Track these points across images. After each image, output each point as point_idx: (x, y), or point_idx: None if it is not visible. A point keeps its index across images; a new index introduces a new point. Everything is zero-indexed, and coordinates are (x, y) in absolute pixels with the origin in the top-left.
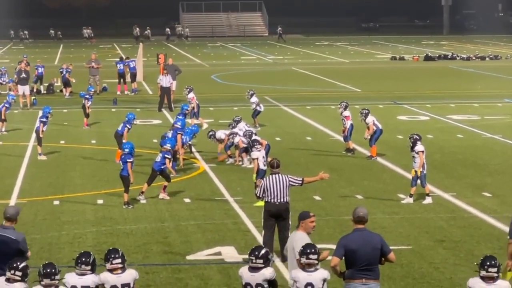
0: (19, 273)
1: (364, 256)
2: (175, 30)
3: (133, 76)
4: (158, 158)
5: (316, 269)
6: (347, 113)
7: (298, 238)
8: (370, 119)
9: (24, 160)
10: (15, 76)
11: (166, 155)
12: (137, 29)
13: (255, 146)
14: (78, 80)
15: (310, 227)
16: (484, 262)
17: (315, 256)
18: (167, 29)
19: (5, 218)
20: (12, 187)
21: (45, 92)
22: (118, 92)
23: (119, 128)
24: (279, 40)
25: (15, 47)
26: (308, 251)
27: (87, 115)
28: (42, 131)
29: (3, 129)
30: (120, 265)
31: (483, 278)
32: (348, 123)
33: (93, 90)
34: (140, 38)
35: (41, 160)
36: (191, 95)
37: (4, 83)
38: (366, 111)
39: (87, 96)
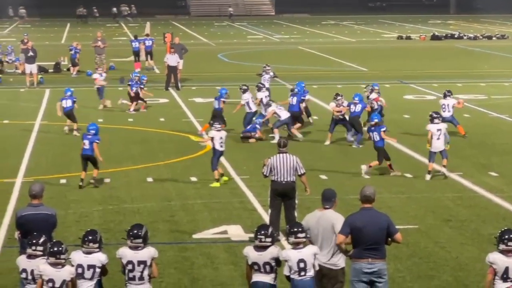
0: (40, 248)
1: (370, 235)
2: (121, 10)
3: (148, 54)
4: (377, 137)
5: (305, 246)
6: (374, 95)
7: (337, 217)
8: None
9: (31, 139)
10: (21, 54)
11: (382, 129)
12: (83, 9)
13: (214, 125)
14: (84, 59)
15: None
16: (503, 235)
17: (303, 235)
18: (114, 9)
19: (31, 196)
20: (19, 166)
21: (52, 70)
22: (137, 70)
23: (216, 106)
24: (230, 20)
25: (21, 26)
26: (296, 229)
27: (134, 99)
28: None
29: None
30: (140, 245)
31: (502, 252)
32: (377, 104)
33: (137, 75)
34: (83, 19)
35: (47, 139)
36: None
37: (10, 61)
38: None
39: (130, 83)
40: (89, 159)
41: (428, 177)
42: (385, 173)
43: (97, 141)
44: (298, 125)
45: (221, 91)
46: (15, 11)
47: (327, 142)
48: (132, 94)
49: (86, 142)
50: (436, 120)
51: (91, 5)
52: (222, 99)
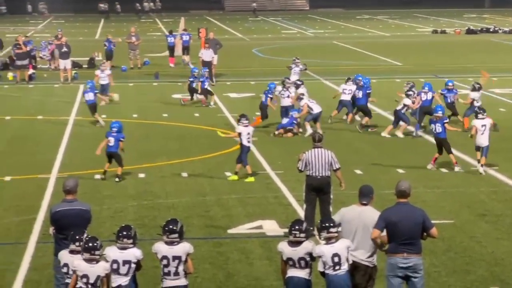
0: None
1: (405, 230)
2: (143, 5)
3: (185, 50)
4: (439, 129)
5: (337, 240)
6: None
7: (378, 213)
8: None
9: (65, 134)
10: (56, 50)
11: (445, 121)
12: (104, 4)
13: (241, 121)
14: (118, 54)
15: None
16: None
17: (335, 229)
18: (137, 4)
19: (65, 191)
20: (53, 162)
21: (86, 66)
22: (171, 65)
23: (263, 99)
24: (254, 15)
25: (55, 22)
26: (327, 224)
27: (193, 94)
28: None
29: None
30: (176, 240)
31: None
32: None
33: (196, 71)
34: (105, 14)
35: (82, 134)
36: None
37: (45, 57)
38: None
39: (191, 79)
40: (113, 156)
41: (478, 166)
42: (419, 169)
43: (122, 139)
44: (366, 119)
45: (270, 85)
46: (34, 7)
47: (401, 135)
48: (200, 89)
49: (112, 139)
50: (480, 116)
51: (114, 0)
52: (270, 95)
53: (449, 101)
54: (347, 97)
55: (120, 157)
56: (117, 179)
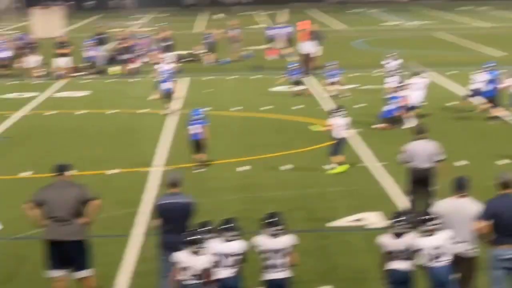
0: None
1: (510, 221)
2: None
3: (286, 42)
4: None
5: (438, 232)
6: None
7: (479, 204)
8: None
9: (171, 128)
10: (147, 42)
11: None
12: None
13: (336, 113)
14: (219, 47)
15: None
16: None
17: (436, 221)
18: None
19: (169, 185)
20: (156, 155)
21: (189, 59)
22: (273, 57)
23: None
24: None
25: (159, 16)
26: (427, 217)
27: (297, 84)
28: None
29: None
30: (278, 232)
31: None
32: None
33: (292, 66)
34: (191, 7)
35: (184, 127)
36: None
37: (143, 52)
38: None
39: (295, 73)
40: (200, 143)
41: None
42: None
43: (205, 124)
44: (496, 109)
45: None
46: (119, 2)
47: None
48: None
49: (197, 127)
50: None
51: None
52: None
53: None
54: (479, 86)
55: (204, 144)
56: (198, 169)
